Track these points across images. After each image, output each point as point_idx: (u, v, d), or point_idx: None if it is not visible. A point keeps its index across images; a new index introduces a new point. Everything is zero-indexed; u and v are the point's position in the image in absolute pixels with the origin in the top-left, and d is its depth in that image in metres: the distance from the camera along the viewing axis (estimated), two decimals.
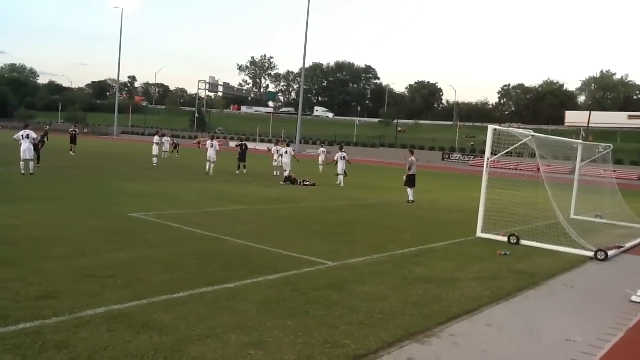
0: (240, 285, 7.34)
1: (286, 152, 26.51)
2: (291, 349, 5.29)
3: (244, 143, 30.69)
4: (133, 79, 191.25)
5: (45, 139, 25.33)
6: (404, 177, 21.13)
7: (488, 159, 13.16)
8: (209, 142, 29.48)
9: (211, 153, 28.07)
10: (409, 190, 20.65)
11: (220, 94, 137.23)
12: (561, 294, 8.49)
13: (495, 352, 5.70)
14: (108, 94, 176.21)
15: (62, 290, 6.57)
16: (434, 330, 6.21)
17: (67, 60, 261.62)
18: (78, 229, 10.60)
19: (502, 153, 13.18)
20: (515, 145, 13.17)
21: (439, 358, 5.42)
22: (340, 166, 26.72)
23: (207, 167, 27.71)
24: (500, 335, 6.25)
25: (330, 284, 7.79)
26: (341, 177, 26.52)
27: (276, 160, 29.76)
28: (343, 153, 27.34)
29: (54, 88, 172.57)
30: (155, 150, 31.74)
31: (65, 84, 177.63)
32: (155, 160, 31.19)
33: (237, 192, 19.65)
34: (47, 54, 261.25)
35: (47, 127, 30.26)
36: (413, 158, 21.54)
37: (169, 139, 42.67)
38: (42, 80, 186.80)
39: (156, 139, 33.88)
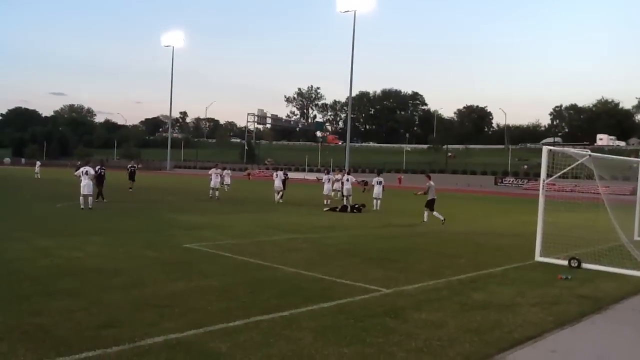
0: (294, 313, 7.31)
1: (347, 180, 28.70)
2: None
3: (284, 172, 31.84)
4: (184, 114, 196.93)
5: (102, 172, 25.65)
6: (417, 194, 22.66)
7: (544, 180, 12.81)
8: (275, 173, 31.39)
9: (277, 183, 30.11)
10: (426, 212, 21.39)
11: (268, 125, 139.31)
12: (630, 318, 8.09)
13: None
14: (160, 129, 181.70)
15: (122, 320, 6.70)
16: (496, 357, 6.00)
17: (122, 99, 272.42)
18: (136, 260, 10.84)
19: (558, 174, 12.81)
20: (572, 166, 12.77)
21: None
22: (376, 190, 27.70)
23: (276, 197, 29.51)
24: None
25: (385, 310, 7.66)
26: (377, 202, 27.41)
27: (333, 190, 30.75)
28: (380, 178, 28.35)
29: (109, 126, 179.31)
30: (212, 182, 31.39)
31: (120, 122, 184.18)
32: (212, 192, 31.30)
33: (288, 221, 19.74)
34: (103, 94, 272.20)
35: (102, 162, 29.19)
36: (431, 182, 22.06)
37: (229, 172, 42.30)
38: (99, 118, 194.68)
39: (212, 171, 32.55)
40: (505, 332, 6.91)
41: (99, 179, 24.53)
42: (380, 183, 27.82)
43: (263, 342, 6.08)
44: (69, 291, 8.09)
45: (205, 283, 8.96)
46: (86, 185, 20.76)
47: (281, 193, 29.97)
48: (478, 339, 6.56)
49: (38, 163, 62.82)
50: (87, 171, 20.97)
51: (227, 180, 39.79)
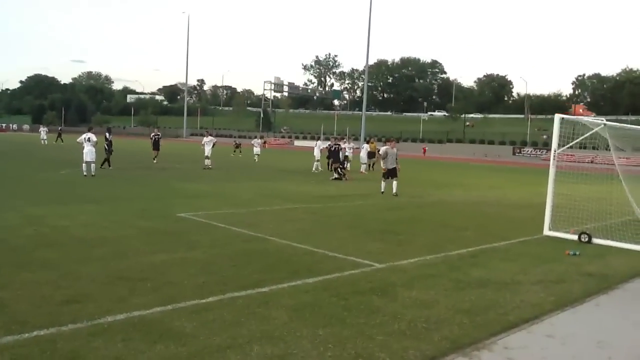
0: (275, 290, 6.85)
1: (349, 148, 29.45)
2: None
3: (337, 144, 27.26)
4: (202, 82, 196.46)
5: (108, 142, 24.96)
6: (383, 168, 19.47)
7: (554, 151, 12.11)
8: (316, 143, 31.88)
9: (316, 152, 30.46)
10: (386, 182, 19.23)
11: (285, 93, 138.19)
12: (638, 300, 7.51)
13: None
14: (178, 97, 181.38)
15: (89, 295, 6.31)
16: (486, 342, 5.48)
17: (140, 67, 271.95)
18: (124, 230, 10.47)
19: (570, 144, 12.08)
20: (585, 135, 12.04)
21: None
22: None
23: (314, 167, 29.49)
24: (563, 349, 5.45)
25: (374, 288, 7.17)
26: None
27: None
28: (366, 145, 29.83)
29: (127, 93, 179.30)
30: (206, 151, 29.28)
31: (138, 89, 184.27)
32: (207, 162, 29.04)
33: (293, 190, 19.30)
34: (121, 61, 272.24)
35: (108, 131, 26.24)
36: (387, 148, 19.43)
37: (260, 140, 41.54)
38: (117, 86, 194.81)
39: (205, 139, 30.13)
40: (500, 313, 6.39)
41: (108, 146, 24.23)
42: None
43: (233, 321, 5.64)
44: (43, 262, 7.73)
45: (189, 255, 8.53)
46: (88, 152, 20.45)
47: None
48: (468, 320, 6.06)
49: (44, 129, 60.42)
50: (89, 138, 20.64)
51: (258, 149, 39.38)
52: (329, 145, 27.79)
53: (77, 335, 5.07)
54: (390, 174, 19.03)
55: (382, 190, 19.11)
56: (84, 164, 20.60)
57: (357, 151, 32.59)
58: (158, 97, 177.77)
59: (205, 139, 29.64)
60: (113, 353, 4.72)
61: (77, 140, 21.36)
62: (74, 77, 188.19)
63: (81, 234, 9.91)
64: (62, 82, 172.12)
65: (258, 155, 38.99)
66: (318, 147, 30.60)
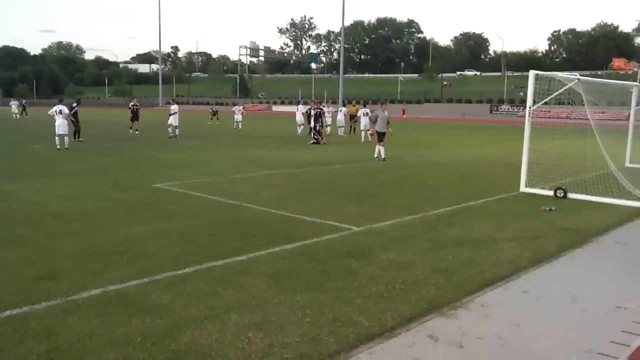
0: (253, 257, 6.82)
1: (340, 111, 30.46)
2: (295, 329, 4.74)
3: (320, 108, 26.76)
4: (176, 49, 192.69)
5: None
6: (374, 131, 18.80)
7: (530, 107, 12.11)
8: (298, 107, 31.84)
9: (298, 117, 30.48)
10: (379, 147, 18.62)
11: (261, 58, 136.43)
12: (612, 252, 7.62)
13: (530, 325, 4.99)
14: (152, 66, 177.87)
15: (63, 270, 6.21)
16: (463, 300, 5.53)
17: (112, 35, 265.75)
18: (99, 202, 10.32)
19: (545, 100, 12.09)
20: (559, 91, 12.04)
21: (465, 334, 4.76)
22: (363, 122, 27.50)
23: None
24: (538, 305, 5.52)
25: (351, 251, 7.18)
26: (366, 133, 27.06)
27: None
28: (366, 109, 28.05)
29: (100, 63, 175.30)
30: (170, 119, 28.39)
31: (111, 59, 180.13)
32: (171, 130, 28.43)
33: (269, 157, 19.17)
34: (92, 30, 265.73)
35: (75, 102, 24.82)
36: (377, 111, 18.94)
37: (241, 107, 40.35)
38: (89, 55, 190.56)
39: (172, 107, 29.10)
40: (476, 271, 6.44)
41: (74, 117, 23.55)
42: (366, 114, 27.44)
43: (210, 291, 5.61)
44: (17, 238, 7.61)
45: (165, 226, 8.44)
46: (61, 125, 20.04)
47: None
48: (446, 280, 6.10)
49: (15, 102, 58.64)
50: (61, 110, 20.21)
51: (239, 117, 38.08)
52: (308, 109, 27.59)
53: (51, 313, 5.00)
54: (380, 137, 18.41)
55: (375, 155, 18.51)
56: (57, 137, 20.21)
57: (335, 114, 32.40)
58: (133, 67, 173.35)
59: (172, 108, 28.96)
60: (88, 329, 4.66)
61: (49, 112, 20.88)
62: (44, 48, 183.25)
63: (55, 208, 9.75)
64: (32, 54, 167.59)
65: (240, 122, 38.08)
66: (300, 111, 30.26)
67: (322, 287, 5.79)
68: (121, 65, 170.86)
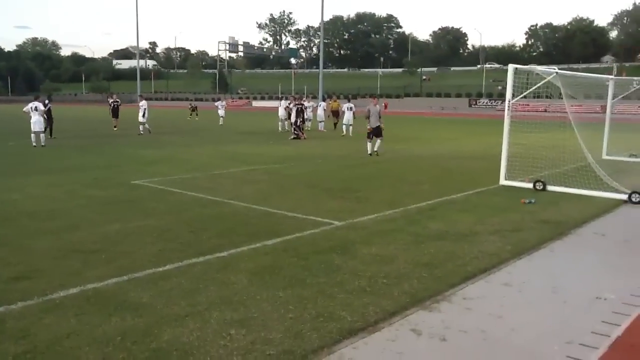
0: (234, 253, 6.76)
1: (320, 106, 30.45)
2: (278, 325, 4.69)
3: (301, 104, 26.74)
4: (154, 44, 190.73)
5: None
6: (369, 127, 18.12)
7: (509, 101, 12.19)
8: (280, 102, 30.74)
9: (281, 112, 29.92)
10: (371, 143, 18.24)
11: (241, 54, 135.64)
12: (591, 243, 7.70)
13: (512, 317, 5.01)
14: (114, 61, 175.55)
15: (40, 270, 6.09)
16: (445, 293, 5.54)
17: (89, 31, 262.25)
18: (76, 201, 10.15)
19: (524, 94, 12.18)
20: (538, 85, 12.13)
21: (448, 327, 4.76)
22: (347, 116, 27.73)
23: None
24: (520, 297, 5.55)
25: (333, 246, 7.15)
26: (348, 127, 27.58)
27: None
28: (350, 104, 28.29)
29: (77, 59, 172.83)
30: (140, 117, 27.67)
31: (88, 55, 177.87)
32: (142, 128, 27.77)
33: (250, 152, 19.06)
34: (69, 27, 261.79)
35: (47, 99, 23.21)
36: (369, 106, 18.35)
37: (224, 102, 39.47)
38: (66, 52, 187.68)
39: (141, 104, 28.45)
40: (458, 265, 6.46)
41: (47, 114, 22.92)
42: (350, 109, 27.93)
43: (191, 288, 5.53)
44: None
45: (144, 223, 8.33)
46: (37, 122, 19.69)
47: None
48: (428, 274, 6.10)
49: None
50: (36, 107, 19.83)
51: (222, 112, 37.30)
52: (289, 104, 27.56)
53: (28, 313, 4.89)
54: (374, 132, 18.03)
55: (369, 152, 18.07)
56: (32, 135, 19.87)
57: (315, 109, 32.36)
58: (117, 62, 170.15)
59: (140, 103, 28.31)
60: (65, 329, 4.57)
61: (24, 109, 20.49)
62: (18, 44, 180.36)
63: (31, 207, 9.56)
64: (6, 50, 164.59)
65: (223, 117, 37.23)
66: (282, 106, 29.97)
67: (304, 283, 5.75)
68: (100, 59, 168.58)
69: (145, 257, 6.60)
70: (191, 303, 5.15)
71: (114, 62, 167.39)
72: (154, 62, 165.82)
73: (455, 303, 5.33)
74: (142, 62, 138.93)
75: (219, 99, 42.89)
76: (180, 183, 12.05)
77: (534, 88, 12.07)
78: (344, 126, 27.96)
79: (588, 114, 22.45)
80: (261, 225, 8.27)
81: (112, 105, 30.24)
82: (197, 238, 7.49)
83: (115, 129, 29.26)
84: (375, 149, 18.01)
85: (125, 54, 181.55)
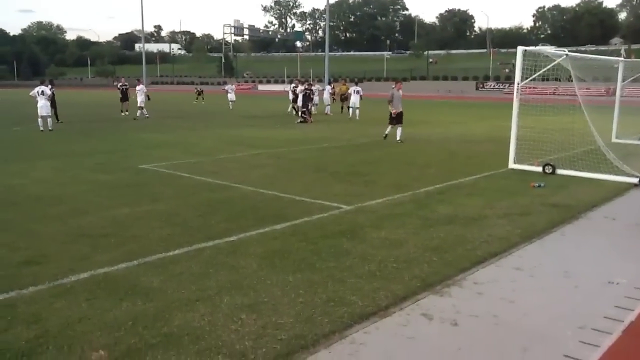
0: (243, 238, 6.74)
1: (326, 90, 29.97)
2: (289, 310, 4.68)
3: (310, 89, 26.56)
4: (159, 28, 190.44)
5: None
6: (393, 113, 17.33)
7: (518, 84, 12.06)
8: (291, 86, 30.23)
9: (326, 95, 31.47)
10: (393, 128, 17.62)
11: (246, 37, 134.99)
12: (601, 227, 7.64)
13: (524, 302, 4.98)
14: (136, 45, 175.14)
15: (49, 255, 6.09)
16: (455, 278, 5.51)
17: (93, 15, 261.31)
18: (83, 185, 10.14)
19: (534, 76, 12.04)
20: (548, 67, 11.98)
21: (459, 312, 4.73)
22: (353, 99, 27.67)
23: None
24: (531, 281, 5.51)
25: (342, 230, 7.12)
26: (354, 110, 27.46)
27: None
28: (357, 87, 28.26)
29: (82, 43, 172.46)
30: (139, 101, 27.57)
31: (93, 39, 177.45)
32: (140, 112, 27.55)
33: (256, 136, 19.02)
34: (73, 10, 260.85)
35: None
36: (392, 90, 17.54)
37: (233, 86, 39.06)
38: (70, 36, 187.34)
39: (138, 88, 28.16)
40: (468, 249, 6.42)
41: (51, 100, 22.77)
42: (357, 92, 27.87)
43: (201, 273, 5.53)
44: None
45: (153, 208, 8.32)
46: (44, 106, 19.71)
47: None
48: (438, 258, 6.07)
49: None
50: (42, 91, 19.83)
51: (232, 96, 36.67)
52: (296, 88, 27.38)
53: (39, 298, 4.89)
54: (397, 119, 17.22)
55: (386, 133, 17.67)
56: (39, 119, 19.86)
57: (321, 93, 32.19)
58: (140, 46, 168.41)
59: (137, 88, 27.93)
60: (77, 314, 4.57)
61: (30, 94, 20.49)
62: (23, 28, 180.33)
63: (38, 191, 9.57)
64: (11, 34, 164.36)
65: (233, 102, 36.65)
66: (292, 90, 29.54)
67: (314, 267, 5.73)
68: (105, 42, 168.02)
69: (155, 241, 6.59)
70: (201, 287, 5.14)
71: (137, 46, 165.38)
72: (179, 46, 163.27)
73: (466, 287, 5.30)
74: (167, 46, 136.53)
75: (224, 83, 42.58)
76: (187, 167, 12.03)
77: (544, 70, 11.93)
78: (350, 109, 27.87)
79: (596, 97, 22.26)
80: (269, 210, 8.24)
81: (121, 88, 29.79)
82: (206, 222, 7.48)
83: (126, 113, 28.85)
84: (398, 138, 17.10)
85: (130, 37, 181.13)
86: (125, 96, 29.50)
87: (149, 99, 28.10)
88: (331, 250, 6.28)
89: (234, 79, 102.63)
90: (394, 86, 17.81)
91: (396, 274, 5.55)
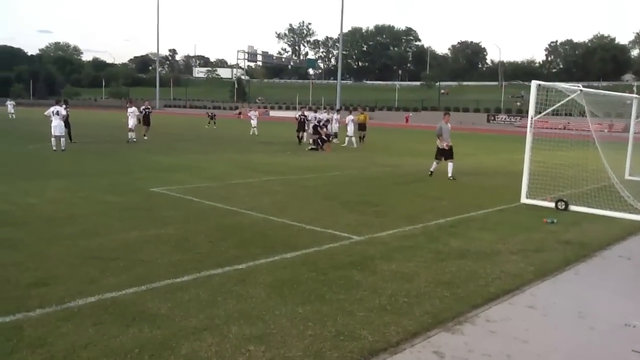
0: (252, 266, 6.68)
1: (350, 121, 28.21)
2: (298, 342, 4.60)
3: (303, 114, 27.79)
4: (173, 51, 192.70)
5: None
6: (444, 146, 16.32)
7: (532, 118, 12.03)
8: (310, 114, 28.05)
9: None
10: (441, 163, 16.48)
11: (259, 63, 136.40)
12: (617, 267, 7.51)
13: (538, 342, 4.86)
14: (150, 67, 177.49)
15: (58, 276, 6.05)
16: (468, 315, 5.41)
17: (110, 37, 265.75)
18: (94, 206, 10.14)
19: (548, 111, 12.02)
20: (562, 102, 11.96)
21: (471, 350, 4.63)
22: (350, 128, 27.69)
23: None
24: (545, 320, 5.40)
25: (353, 261, 7.04)
26: (352, 139, 27.47)
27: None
28: (351, 116, 28.63)
29: (97, 64, 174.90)
30: (130, 122, 26.63)
31: (109, 60, 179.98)
32: (131, 135, 26.54)
33: (267, 162, 19.02)
34: (91, 32, 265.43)
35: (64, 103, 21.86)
36: (440, 123, 16.79)
37: (256, 112, 38.03)
38: (87, 57, 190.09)
39: (130, 110, 27.11)
40: (480, 285, 6.32)
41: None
42: (352, 121, 28.20)
43: (209, 300, 5.46)
44: (9, 242, 7.41)
45: (162, 232, 8.28)
46: (57, 126, 19.86)
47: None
48: (450, 293, 5.97)
49: (11, 102, 57.07)
50: (57, 111, 20.01)
51: (254, 122, 35.56)
52: (302, 116, 27.48)
53: (46, 321, 4.84)
54: (448, 153, 16.17)
55: (431, 170, 16.38)
56: (53, 138, 20.01)
57: (343, 122, 31.99)
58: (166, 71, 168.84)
59: (129, 110, 27.04)
60: (84, 339, 4.51)
61: (45, 113, 20.70)
62: (41, 48, 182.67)
63: (49, 211, 9.57)
64: (29, 54, 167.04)
65: (256, 127, 35.78)
66: (314, 118, 28.83)
67: (323, 299, 5.65)
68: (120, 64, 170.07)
69: (163, 266, 6.54)
70: (209, 316, 5.07)
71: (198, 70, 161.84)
72: (216, 70, 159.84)
73: (479, 325, 5.19)
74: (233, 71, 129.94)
75: (251, 108, 42.39)
76: (198, 191, 12.02)
77: (558, 105, 11.91)
78: (346, 138, 27.89)
79: (607, 133, 22.18)
80: (279, 238, 8.19)
81: (144, 112, 29.05)
82: (215, 249, 7.42)
83: (145, 137, 28.12)
84: (450, 175, 15.88)
85: (144, 60, 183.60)
86: (146, 120, 28.97)
87: (139, 122, 27.49)
88: (341, 282, 6.20)
89: (246, 104, 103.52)
90: (444, 118, 16.79)
91: (407, 309, 5.46)
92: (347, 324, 5.01)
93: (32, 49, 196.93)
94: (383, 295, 5.80)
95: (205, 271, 6.38)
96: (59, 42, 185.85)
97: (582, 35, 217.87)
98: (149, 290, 5.72)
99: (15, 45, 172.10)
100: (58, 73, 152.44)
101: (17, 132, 31.79)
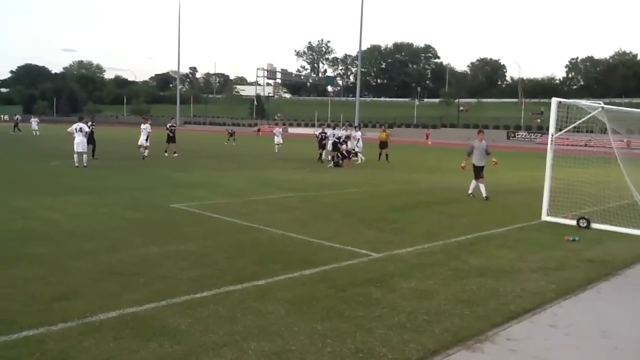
0: (271, 282, 6.69)
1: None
2: (316, 359, 4.59)
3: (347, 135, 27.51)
4: (194, 69, 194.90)
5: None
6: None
7: (552, 135, 11.96)
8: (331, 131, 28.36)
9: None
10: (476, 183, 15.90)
11: (278, 80, 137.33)
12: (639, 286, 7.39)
13: None
14: (171, 85, 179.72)
15: (80, 291, 6.12)
16: (488, 333, 5.36)
17: (132, 55, 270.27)
18: (115, 222, 10.26)
19: (569, 128, 11.94)
20: (584, 119, 11.88)
21: None
22: (351, 145, 27.51)
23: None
24: (567, 340, 5.32)
25: (371, 278, 7.02)
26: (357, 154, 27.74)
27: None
28: (358, 132, 29.53)
29: (119, 82, 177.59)
30: (142, 139, 26.58)
31: (130, 78, 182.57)
32: (143, 151, 26.53)
33: (286, 179, 19.10)
34: (113, 50, 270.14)
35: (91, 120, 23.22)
36: (476, 142, 16.29)
37: (280, 129, 37.94)
38: (109, 75, 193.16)
39: (143, 127, 27.13)
40: (501, 303, 6.26)
41: (89, 137, 23.18)
42: (347, 137, 28.09)
43: (229, 316, 5.49)
44: (32, 257, 7.53)
45: (183, 247, 8.35)
46: (80, 143, 20.17)
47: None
48: (470, 311, 5.92)
49: (36, 119, 57.82)
50: (80, 128, 20.33)
51: (279, 139, 35.30)
52: (320, 133, 27.77)
53: (68, 335, 4.90)
54: (476, 173, 15.70)
55: (470, 192, 15.88)
56: (75, 155, 20.32)
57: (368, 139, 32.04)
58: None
59: (142, 126, 27.07)
60: (105, 353, 4.55)
61: (68, 130, 21.06)
62: (65, 67, 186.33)
63: (71, 227, 9.71)
64: (53, 72, 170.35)
65: (280, 144, 35.37)
66: (333, 135, 27.62)
67: (342, 316, 5.64)
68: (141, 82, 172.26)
69: (183, 282, 6.59)
70: (228, 332, 5.09)
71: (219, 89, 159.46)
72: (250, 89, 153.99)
73: (499, 344, 5.14)
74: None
75: (276, 125, 42.45)
76: (218, 207, 12.11)
77: (579, 122, 11.83)
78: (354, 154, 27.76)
79: (630, 150, 21.92)
80: (298, 254, 8.20)
81: (169, 129, 29.06)
82: (234, 265, 7.46)
83: (172, 154, 28.02)
84: (484, 194, 15.22)
85: (165, 78, 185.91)
86: (172, 137, 28.89)
87: (147, 139, 26.83)
88: (360, 299, 6.19)
89: (265, 121, 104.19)
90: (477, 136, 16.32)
91: (426, 327, 5.43)
92: (366, 341, 4.99)
93: (56, 67, 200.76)
94: (402, 313, 5.77)
95: (224, 287, 6.41)
96: (82, 61, 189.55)
97: (603, 51, 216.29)
98: (169, 305, 5.76)
99: (40, 64, 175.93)
100: (81, 91, 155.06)
101: (40, 149, 32.33)
